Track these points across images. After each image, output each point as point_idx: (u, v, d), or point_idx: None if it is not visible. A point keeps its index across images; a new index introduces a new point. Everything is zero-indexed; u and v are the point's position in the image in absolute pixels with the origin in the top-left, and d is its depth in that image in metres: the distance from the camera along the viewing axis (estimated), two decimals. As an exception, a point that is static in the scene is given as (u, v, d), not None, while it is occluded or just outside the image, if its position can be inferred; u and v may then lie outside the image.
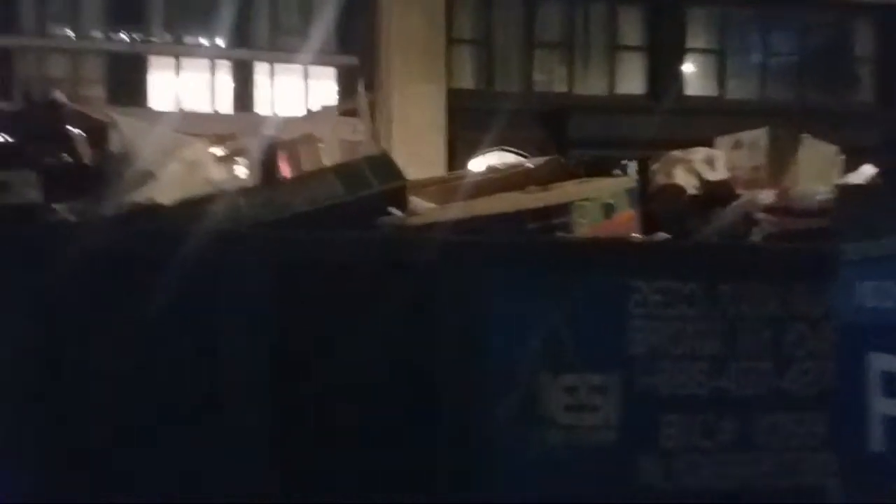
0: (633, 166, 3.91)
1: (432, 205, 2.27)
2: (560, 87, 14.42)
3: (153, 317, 1.69)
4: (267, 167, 2.21)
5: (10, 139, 2.01)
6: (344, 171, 2.15)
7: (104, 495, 1.66)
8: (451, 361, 1.83)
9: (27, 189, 1.81)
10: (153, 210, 2.00)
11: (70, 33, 21.97)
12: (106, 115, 2.15)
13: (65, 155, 2.03)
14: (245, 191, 2.07)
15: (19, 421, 1.65)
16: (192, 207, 2.05)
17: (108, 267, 1.74)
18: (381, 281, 1.78)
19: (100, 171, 2.04)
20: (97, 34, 21.98)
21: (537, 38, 14.44)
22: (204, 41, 22.34)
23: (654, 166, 2.99)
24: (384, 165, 2.14)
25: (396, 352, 1.79)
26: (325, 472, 1.76)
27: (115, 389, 1.69)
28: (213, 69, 22.00)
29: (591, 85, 14.70)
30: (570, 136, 14.16)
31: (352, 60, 21.97)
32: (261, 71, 22.24)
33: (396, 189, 2.07)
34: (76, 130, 2.07)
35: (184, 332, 1.72)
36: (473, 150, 12.20)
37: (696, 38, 14.87)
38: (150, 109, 19.24)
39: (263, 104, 20.89)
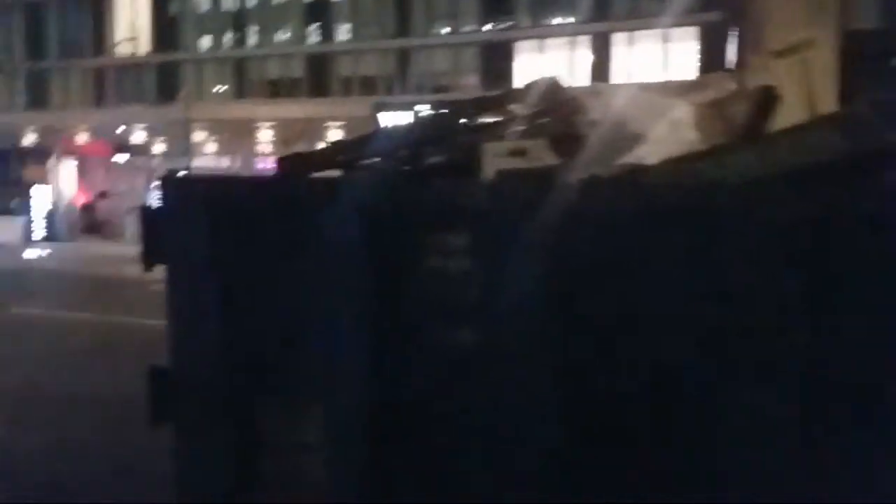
0: None
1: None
2: None
3: (668, 267, 1.77)
4: (749, 122, 2.16)
5: (521, 113, 2.30)
6: (840, 121, 1.98)
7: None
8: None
9: (543, 154, 2.05)
10: (644, 170, 2.10)
11: (447, 30, 24.91)
12: (591, 87, 2.33)
13: (563, 124, 2.27)
14: (730, 147, 2.04)
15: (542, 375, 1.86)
16: (681, 165, 2.10)
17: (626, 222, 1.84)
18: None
19: (591, 137, 2.23)
20: (471, 28, 24.48)
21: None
22: (564, 20, 23.17)
23: None
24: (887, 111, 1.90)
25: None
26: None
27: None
28: (572, 46, 22.71)
29: None
30: None
31: (717, 16, 20.54)
32: (618, 41, 22.22)
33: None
34: (573, 102, 2.29)
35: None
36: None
37: None
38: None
39: (620, 74, 20.81)
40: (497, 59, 23.67)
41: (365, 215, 2.06)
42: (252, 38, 28.10)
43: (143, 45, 29.29)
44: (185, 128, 21.59)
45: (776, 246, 1.72)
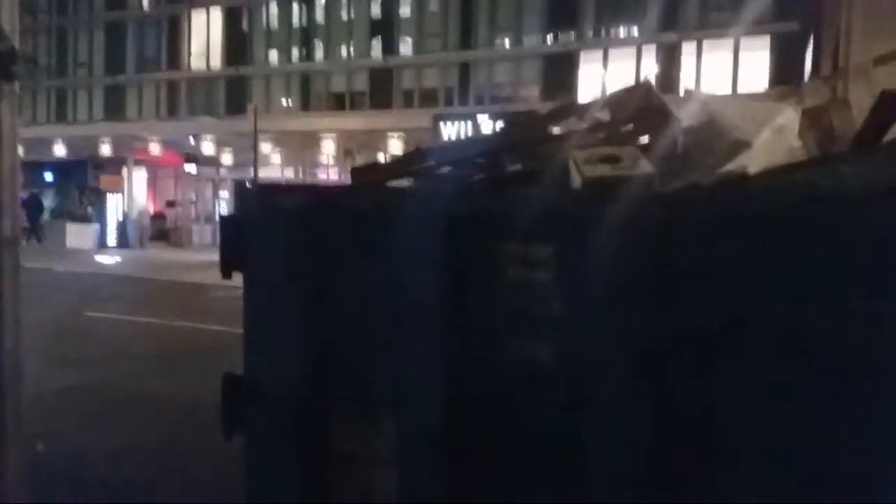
0: None
1: None
2: None
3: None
4: (864, 130, 1.98)
5: (609, 119, 2.18)
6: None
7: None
8: None
9: (639, 161, 1.92)
10: (746, 179, 1.95)
11: (507, 42, 24.86)
12: (686, 94, 2.19)
13: (656, 130, 2.14)
14: (844, 156, 1.87)
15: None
16: (789, 175, 1.94)
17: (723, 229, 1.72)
18: None
19: (689, 144, 2.09)
20: (534, 39, 24.37)
21: None
22: (631, 30, 22.81)
23: None
24: None
25: None
26: None
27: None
28: (638, 56, 22.30)
29: None
30: None
31: (791, 26, 19.83)
32: (687, 51, 21.69)
33: None
34: (665, 108, 2.16)
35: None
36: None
37: None
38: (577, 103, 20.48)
39: (688, 85, 20.27)
40: (560, 69, 23.48)
41: (445, 224, 1.98)
42: (318, 52, 28.77)
43: (215, 59, 30.37)
44: (252, 139, 22.18)
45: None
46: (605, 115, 2.26)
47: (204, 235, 27.80)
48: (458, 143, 3.02)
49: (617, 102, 2.27)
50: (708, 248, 1.72)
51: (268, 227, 2.18)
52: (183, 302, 12.27)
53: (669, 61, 21.79)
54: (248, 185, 2.55)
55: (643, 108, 2.20)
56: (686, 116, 2.21)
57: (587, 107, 2.37)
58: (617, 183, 1.90)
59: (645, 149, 2.08)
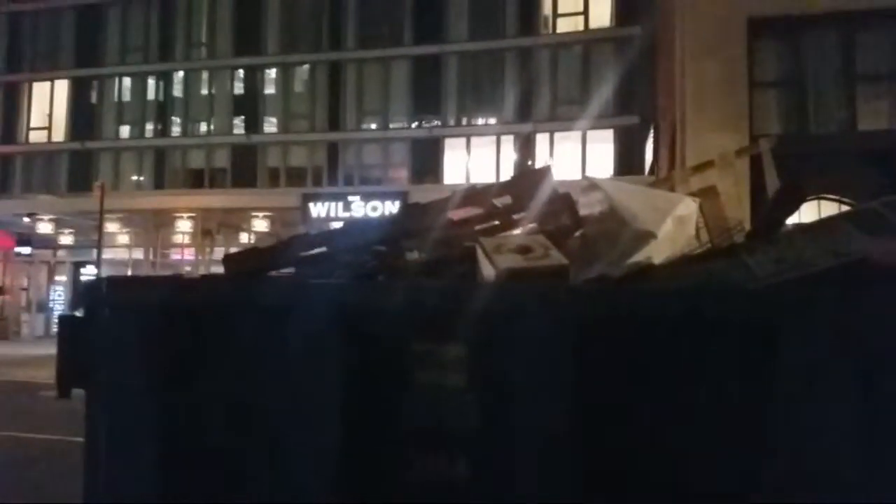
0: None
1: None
2: (893, 124, 12.50)
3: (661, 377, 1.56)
4: (766, 220, 2.02)
5: (508, 203, 2.09)
6: (859, 219, 1.87)
7: None
8: None
9: (549, 251, 1.83)
10: (653, 269, 1.91)
11: (374, 125, 25.41)
12: (584, 180, 2.16)
13: (559, 217, 2.07)
14: (748, 247, 1.88)
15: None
16: (694, 266, 1.92)
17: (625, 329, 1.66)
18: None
19: (593, 233, 2.04)
20: (400, 124, 25.08)
21: (859, 71, 12.80)
22: (490, 120, 24.15)
23: None
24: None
25: None
26: None
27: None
28: (498, 144, 23.54)
29: (933, 119, 12.53)
30: (911, 177, 12.08)
31: (631, 120, 21.95)
32: (541, 140, 23.23)
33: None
34: (564, 193, 2.11)
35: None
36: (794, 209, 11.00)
37: None
38: (444, 184, 21.20)
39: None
40: (426, 153, 24.19)
41: (342, 320, 1.75)
42: (175, 127, 27.65)
43: (58, 132, 28.21)
44: (98, 219, 20.53)
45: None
46: (503, 201, 2.17)
47: (36, 326, 24.99)
48: (350, 228, 2.81)
49: (516, 188, 2.19)
50: (638, 343, 1.63)
51: (121, 327, 1.83)
52: (7, 404, 10.68)
53: (526, 149, 23.20)
54: (96, 278, 2.14)
55: (543, 194, 2.13)
56: (585, 204, 2.18)
57: (485, 192, 2.27)
58: (532, 275, 1.79)
59: (551, 238, 1.99)
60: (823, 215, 2.52)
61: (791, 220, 2.22)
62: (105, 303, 1.85)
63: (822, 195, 11.98)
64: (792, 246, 1.94)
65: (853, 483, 1.47)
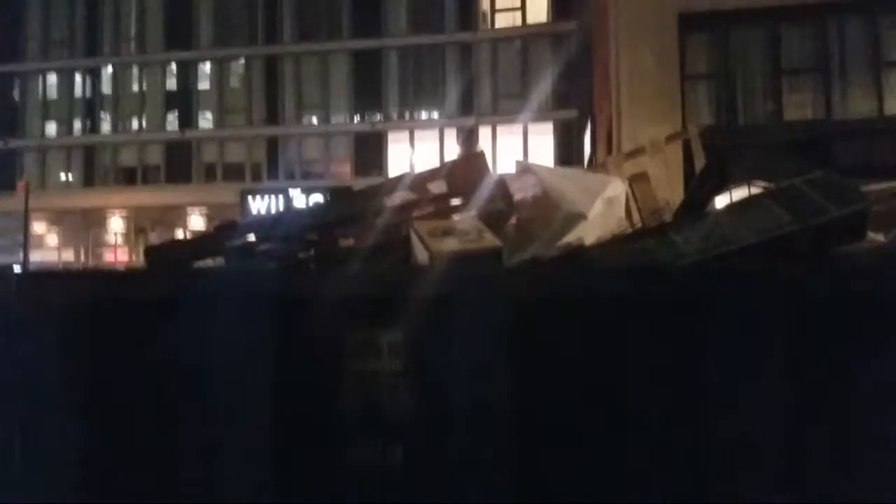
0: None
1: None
2: (817, 114, 13.08)
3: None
4: (689, 199, 2.07)
5: (445, 190, 2.08)
6: (785, 197, 1.93)
7: None
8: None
9: (483, 234, 1.82)
10: (584, 250, 1.93)
11: (315, 120, 25.04)
12: (517, 165, 2.16)
13: (494, 202, 2.06)
14: (675, 226, 1.92)
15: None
16: (624, 245, 1.95)
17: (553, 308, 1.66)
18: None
19: (525, 216, 2.04)
20: (342, 118, 24.79)
21: (784, 64, 13.33)
22: (433, 114, 24.13)
23: None
24: (834, 187, 1.88)
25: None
26: None
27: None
28: (441, 137, 23.55)
29: (853, 109, 13.16)
30: (835, 164, 12.70)
31: (570, 114, 22.31)
32: (484, 134, 23.36)
33: (857, 213, 1.80)
34: (498, 178, 2.11)
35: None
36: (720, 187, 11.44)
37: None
38: (388, 178, 21.08)
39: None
40: (369, 147, 24.01)
41: (276, 309, 1.70)
42: (105, 124, 26.56)
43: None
44: (24, 219, 19.55)
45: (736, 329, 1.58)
46: (438, 187, 2.15)
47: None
48: (277, 217, 2.74)
49: (451, 174, 2.17)
50: (573, 323, 1.63)
51: (34, 325, 1.72)
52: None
53: (469, 142, 23.29)
54: (4, 273, 1.98)
55: (478, 180, 2.12)
56: (519, 188, 2.18)
57: (420, 179, 2.25)
58: (467, 257, 1.77)
59: (486, 223, 1.99)
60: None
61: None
62: (15, 298, 1.74)
63: (752, 181, 12.46)
64: (718, 223, 1.99)
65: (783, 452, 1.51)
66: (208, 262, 2.20)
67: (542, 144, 22.94)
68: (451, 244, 1.73)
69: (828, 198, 1.90)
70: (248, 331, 1.72)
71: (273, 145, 24.77)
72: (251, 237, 2.14)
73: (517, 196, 2.21)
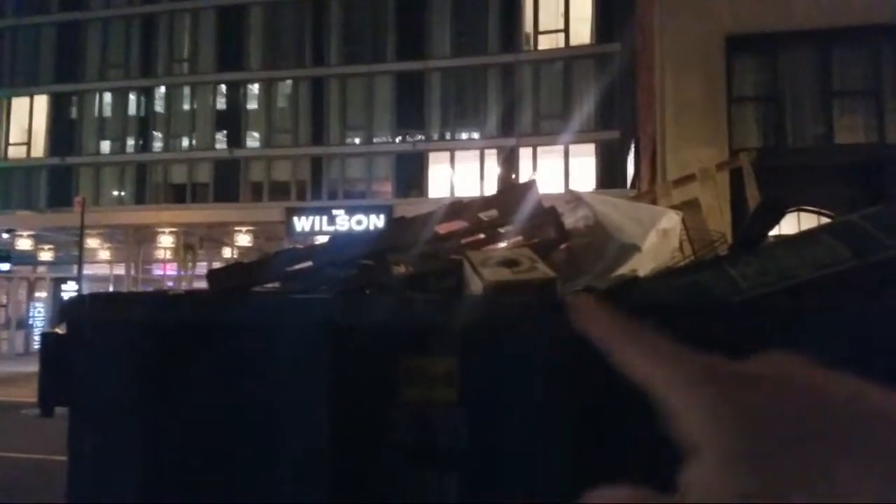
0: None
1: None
2: (869, 138, 12.75)
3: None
4: (746, 233, 2.05)
5: (493, 220, 2.10)
6: (841, 231, 1.90)
7: None
8: None
9: (536, 264, 1.83)
10: (638, 282, 1.92)
11: (358, 140, 25.44)
12: (569, 194, 2.18)
13: (545, 231, 2.08)
14: (730, 259, 1.90)
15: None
16: (678, 278, 1.94)
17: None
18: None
19: (579, 246, 2.05)
20: (384, 138, 25.14)
21: (835, 86, 13.05)
22: (473, 134, 24.29)
23: None
24: (893, 221, 1.84)
25: None
26: None
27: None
28: (482, 158, 23.67)
29: (907, 133, 12.79)
30: (887, 190, 12.34)
31: (612, 135, 22.19)
32: (524, 155, 23.38)
33: (919, 250, 1.75)
34: (550, 207, 2.12)
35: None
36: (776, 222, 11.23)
37: None
38: (428, 198, 21.25)
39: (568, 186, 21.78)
40: (410, 167, 24.28)
41: (330, 336, 1.74)
42: (156, 142, 27.48)
43: (38, 148, 27.91)
44: (78, 234, 20.27)
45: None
46: (490, 215, 2.18)
47: (15, 343, 24.53)
48: (335, 242, 2.81)
49: (501, 202, 2.20)
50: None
51: (105, 344, 1.80)
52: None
53: (509, 163, 23.34)
54: (78, 294, 2.07)
55: (529, 208, 2.14)
56: (571, 218, 2.19)
57: (473, 206, 2.28)
58: (520, 287, 1.79)
59: (536, 251, 2.00)
60: (803, 226, 2.52)
61: (772, 232, 2.26)
62: (88, 319, 1.82)
63: (802, 207, 12.18)
64: (774, 258, 1.97)
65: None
66: (266, 287, 2.26)
67: (583, 165, 22.84)
68: (503, 274, 1.75)
69: (887, 233, 1.87)
70: (302, 355, 1.77)
71: (318, 165, 25.26)
72: (308, 262, 2.20)
73: (568, 225, 2.23)
